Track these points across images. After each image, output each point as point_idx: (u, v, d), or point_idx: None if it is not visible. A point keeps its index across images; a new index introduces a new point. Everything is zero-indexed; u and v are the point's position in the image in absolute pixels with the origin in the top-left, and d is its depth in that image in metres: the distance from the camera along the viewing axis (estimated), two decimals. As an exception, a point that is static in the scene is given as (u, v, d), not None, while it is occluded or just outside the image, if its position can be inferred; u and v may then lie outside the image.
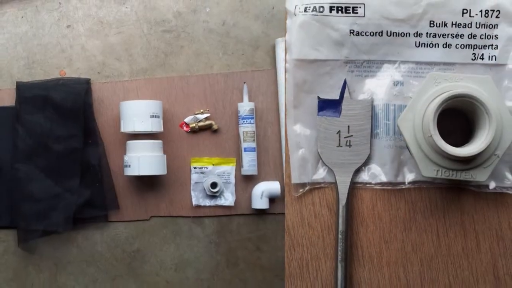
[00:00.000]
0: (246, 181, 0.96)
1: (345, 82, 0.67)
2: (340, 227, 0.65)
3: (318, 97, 0.67)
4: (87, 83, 0.95)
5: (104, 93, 0.96)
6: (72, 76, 0.96)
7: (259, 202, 0.93)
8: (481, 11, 0.65)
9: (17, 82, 0.94)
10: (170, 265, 0.97)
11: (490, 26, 0.66)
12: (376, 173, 0.68)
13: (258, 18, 0.97)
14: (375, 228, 0.67)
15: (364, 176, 0.68)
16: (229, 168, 0.96)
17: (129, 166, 0.91)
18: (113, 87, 0.97)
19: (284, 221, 0.94)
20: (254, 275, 0.97)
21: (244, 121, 0.94)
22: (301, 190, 0.68)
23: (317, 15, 0.65)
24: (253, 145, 0.94)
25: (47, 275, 0.96)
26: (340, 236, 0.65)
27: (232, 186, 0.96)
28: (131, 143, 0.92)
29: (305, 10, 0.66)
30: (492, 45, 0.66)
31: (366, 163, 0.67)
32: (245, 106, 0.94)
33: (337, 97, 0.67)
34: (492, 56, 0.66)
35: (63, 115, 0.94)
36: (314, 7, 0.65)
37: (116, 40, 0.97)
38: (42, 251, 0.96)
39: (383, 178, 0.67)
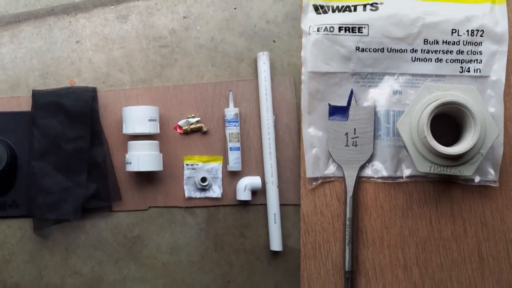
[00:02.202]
0: (232, 176, 1.03)
1: (352, 91, 0.71)
2: (348, 215, 0.69)
3: (329, 104, 0.71)
4: (93, 91, 1.01)
5: (109, 100, 1.03)
6: (80, 85, 1.03)
7: (243, 194, 1.00)
8: (467, 30, 0.70)
9: (33, 90, 1.01)
10: (166, 249, 1.03)
11: (475, 44, 0.70)
12: (378, 169, 0.72)
13: (242, 35, 1.04)
14: (377, 216, 0.71)
15: (368, 171, 0.72)
16: (216, 165, 1.03)
17: (130, 163, 0.97)
18: (116, 95, 1.03)
19: (266, 211, 1.01)
20: (238, 258, 1.03)
21: (229, 124, 1.00)
22: (314, 183, 0.71)
23: (328, 34, 0.70)
24: (238, 145, 1.01)
25: (59, 258, 1.03)
26: (347, 222, 0.69)
27: (220, 181, 1.03)
28: (132, 143, 0.98)
29: (317, 30, 0.71)
30: (477, 59, 0.71)
31: (370, 160, 0.71)
32: (231, 111, 1.00)
33: (345, 104, 0.71)
34: (477, 69, 0.71)
35: (73, 119, 1.00)
36: (326, 27, 0.71)
37: (119, 54, 1.04)
38: (54, 237, 1.03)
39: (384, 173, 0.71)
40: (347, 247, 0.68)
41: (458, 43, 0.70)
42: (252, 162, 1.03)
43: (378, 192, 0.71)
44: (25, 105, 1.03)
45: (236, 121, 1.01)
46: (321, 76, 0.71)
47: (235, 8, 1.04)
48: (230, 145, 1.01)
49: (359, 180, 0.71)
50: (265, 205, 1.03)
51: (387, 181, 0.71)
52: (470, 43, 0.70)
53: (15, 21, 1.04)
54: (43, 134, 1.00)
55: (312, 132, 0.73)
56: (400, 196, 0.71)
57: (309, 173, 0.72)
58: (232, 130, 1.01)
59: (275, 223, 1.00)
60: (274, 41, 1.04)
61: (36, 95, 1.01)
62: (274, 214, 1.00)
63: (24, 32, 1.04)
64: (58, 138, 1.00)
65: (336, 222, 0.71)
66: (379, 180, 0.71)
